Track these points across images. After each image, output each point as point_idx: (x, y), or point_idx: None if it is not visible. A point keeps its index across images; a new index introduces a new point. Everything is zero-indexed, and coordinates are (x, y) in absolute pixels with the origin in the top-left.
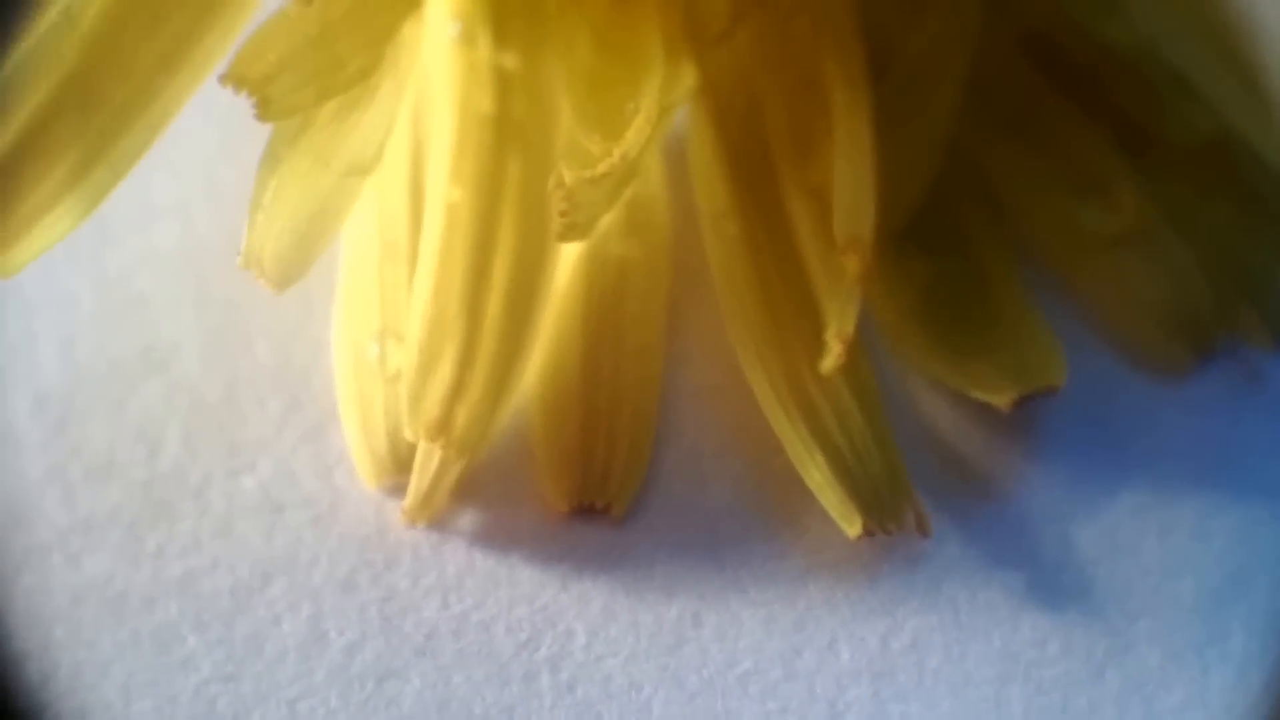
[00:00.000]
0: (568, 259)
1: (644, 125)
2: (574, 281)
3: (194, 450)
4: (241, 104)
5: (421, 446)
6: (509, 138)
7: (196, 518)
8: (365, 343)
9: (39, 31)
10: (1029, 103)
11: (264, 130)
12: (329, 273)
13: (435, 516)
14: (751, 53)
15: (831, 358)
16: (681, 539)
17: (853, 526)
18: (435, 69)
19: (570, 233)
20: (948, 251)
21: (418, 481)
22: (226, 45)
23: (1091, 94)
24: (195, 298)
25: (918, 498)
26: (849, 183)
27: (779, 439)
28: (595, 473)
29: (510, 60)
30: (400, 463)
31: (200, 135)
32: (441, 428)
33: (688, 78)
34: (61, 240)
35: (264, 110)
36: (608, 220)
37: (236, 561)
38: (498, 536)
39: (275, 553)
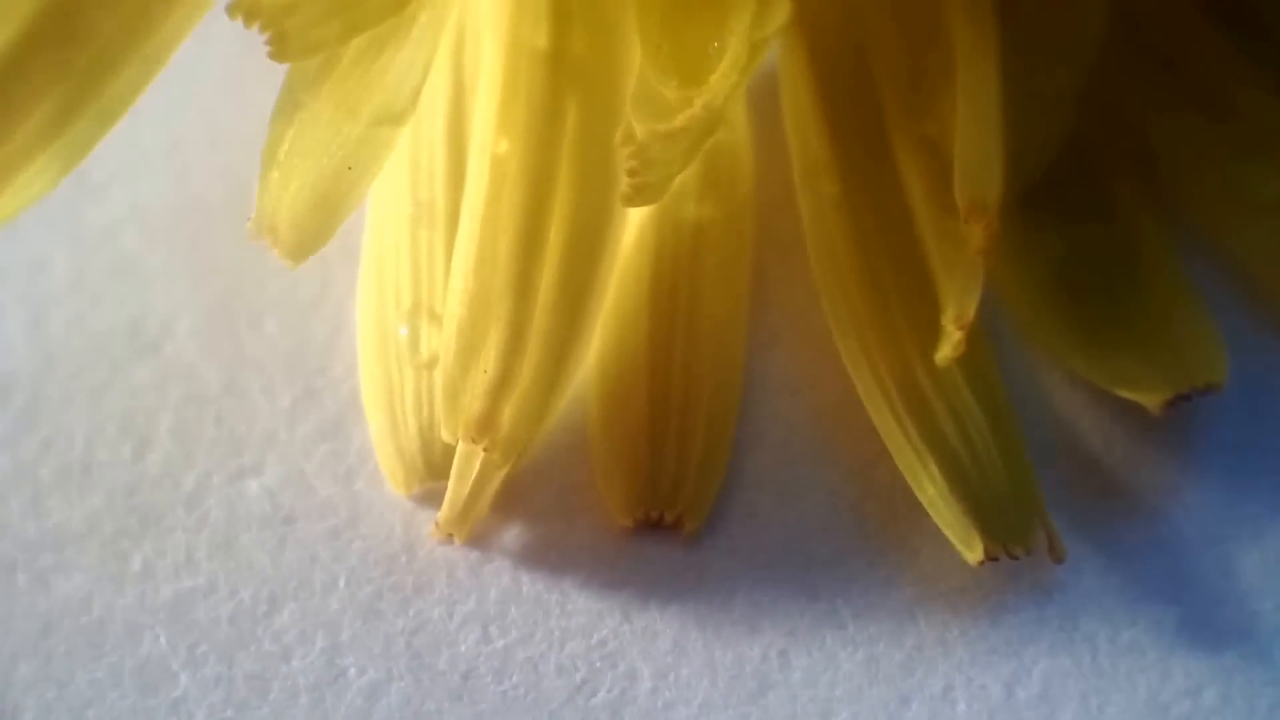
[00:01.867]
0: (634, 223)
1: (731, 68)
2: (641, 250)
3: (188, 448)
4: (250, 37)
5: (460, 448)
6: (567, 79)
7: (191, 530)
8: (394, 323)
9: None
10: (1183, 40)
11: (277, 68)
12: (352, 238)
13: (475, 531)
14: None
15: (949, 346)
16: (766, 562)
17: (972, 550)
18: None
19: (640, 195)
20: (1088, 218)
21: (455, 489)
22: None
23: (1257, 31)
24: (190, 264)
25: (1049, 516)
26: (972, 135)
27: (884, 443)
28: (664, 480)
29: None
30: (434, 467)
31: (198, 69)
32: (485, 426)
33: (781, 8)
34: (36, 202)
35: (280, 48)
36: (682, 177)
37: (238, 583)
38: (548, 556)
39: (284, 573)
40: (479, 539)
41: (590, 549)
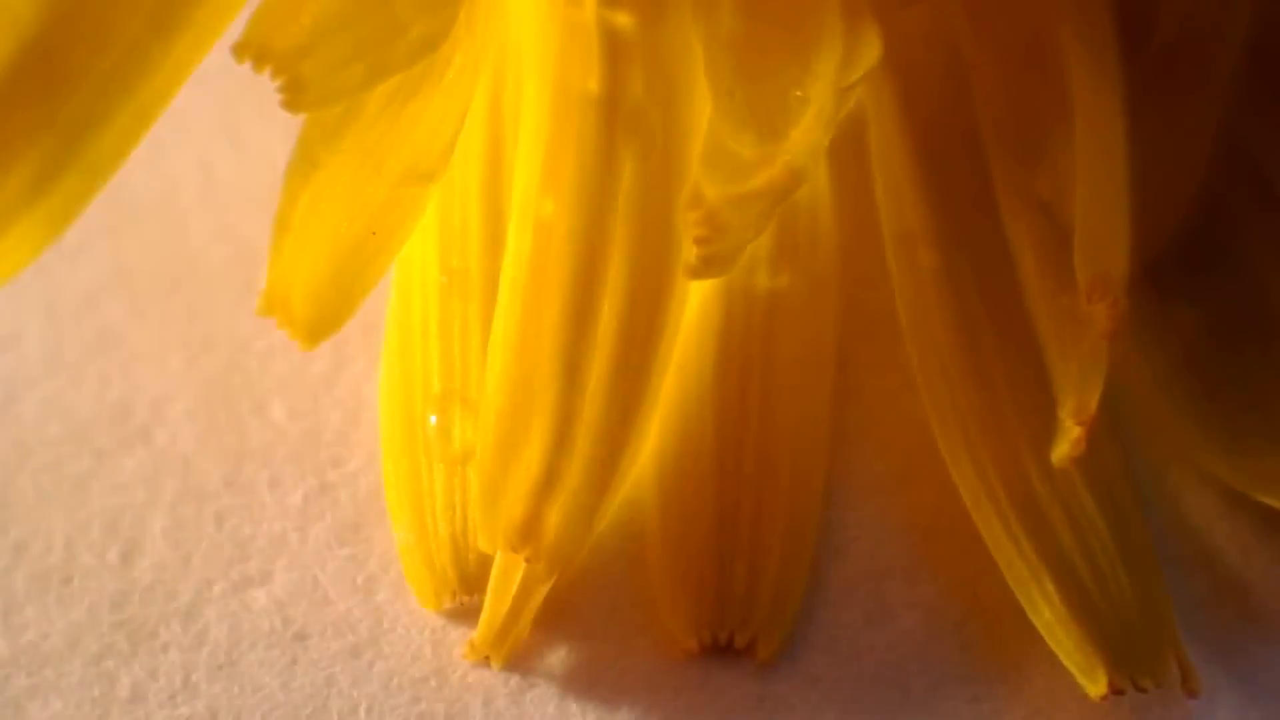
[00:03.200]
0: (696, 296)
1: (816, 121)
2: (705, 328)
3: (185, 553)
4: (259, 81)
5: (499, 557)
6: (622, 129)
7: (188, 648)
8: (422, 410)
9: None
10: None
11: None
12: (373, 311)
13: (515, 653)
14: (958, 12)
15: (1067, 444)
16: (853, 693)
17: (1094, 682)
18: (524, 35)
19: (708, 267)
20: (1221, 283)
21: (493, 605)
22: None
23: None
24: (185, 338)
25: (1182, 643)
26: (1095, 196)
27: (991, 555)
28: (734, 596)
29: (625, 21)
30: (468, 579)
31: (193, 110)
32: (527, 532)
33: (872, 46)
34: (17, 273)
35: (295, 96)
36: (754, 243)
37: (243, 711)
38: (600, 683)
39: (296, 699)
40: (520, 662)
41: (649, 676)
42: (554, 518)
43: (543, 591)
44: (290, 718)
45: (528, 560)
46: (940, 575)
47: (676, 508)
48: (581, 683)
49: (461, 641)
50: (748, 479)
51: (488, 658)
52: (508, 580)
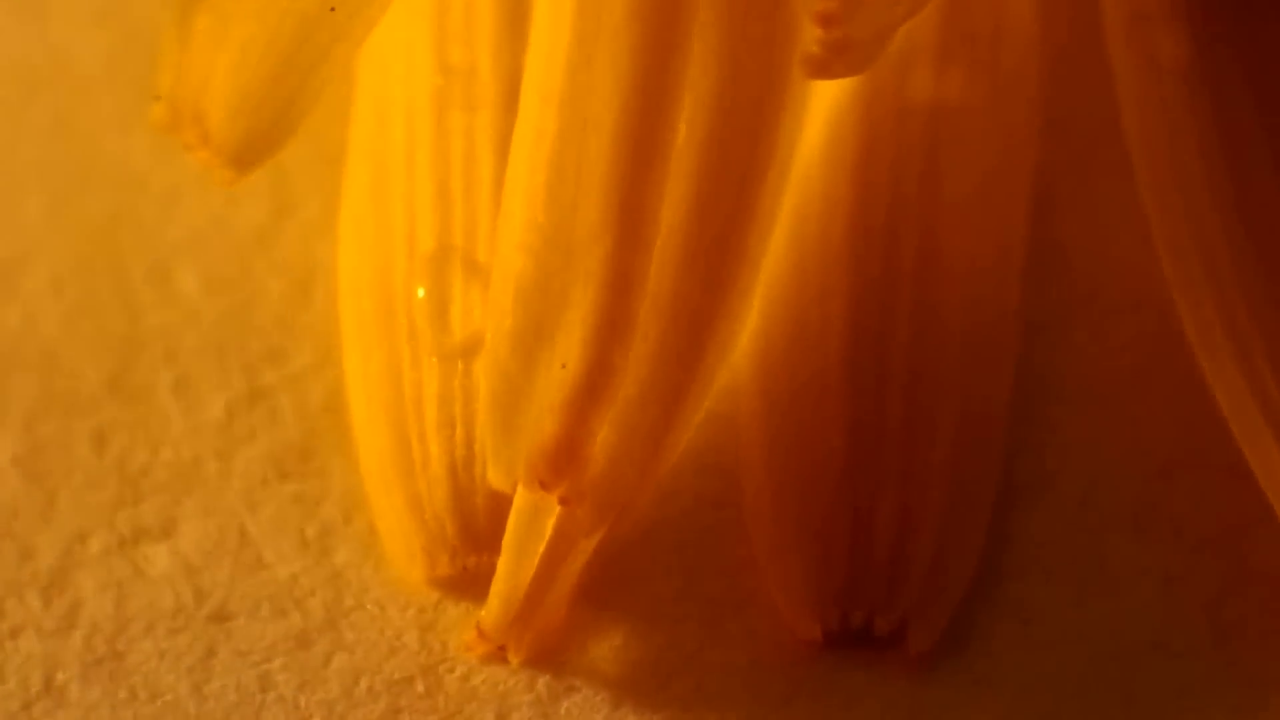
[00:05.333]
0: (821, 108)
1: None
2: (835, 157)
3: (47, 492)
4: None
5: (520, 499)
6: None
7: (51, 634)
8: (404, 281)
9: None
10: None
11: None
12: (329, 130)
13: (544, 643)
14: None
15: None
16: (1048, 702)
17: None
18: None
19: (836, 60)
20: None
21: (511, 571)
22: None
23: None
24: (50, 169)
25: None
26: None
27: (1263, 499)
28: (876, 563)
29: None
30: (473, 531)
31: None
32: (563, 461)
33: None
34: None
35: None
36: (908, 31)
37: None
38: (673, 688)
39: (212, 710)
40: (552, 657)
41: (747, 677)
42: (603, 438)
43: (585, 550)
44: None
45: (563, 502)
46: (1187, 528)
47: (789, 432)
48: (644, 687)
49: (463, 625)
50: (896, 388)
51: (503, 649)
52: (533, 533)
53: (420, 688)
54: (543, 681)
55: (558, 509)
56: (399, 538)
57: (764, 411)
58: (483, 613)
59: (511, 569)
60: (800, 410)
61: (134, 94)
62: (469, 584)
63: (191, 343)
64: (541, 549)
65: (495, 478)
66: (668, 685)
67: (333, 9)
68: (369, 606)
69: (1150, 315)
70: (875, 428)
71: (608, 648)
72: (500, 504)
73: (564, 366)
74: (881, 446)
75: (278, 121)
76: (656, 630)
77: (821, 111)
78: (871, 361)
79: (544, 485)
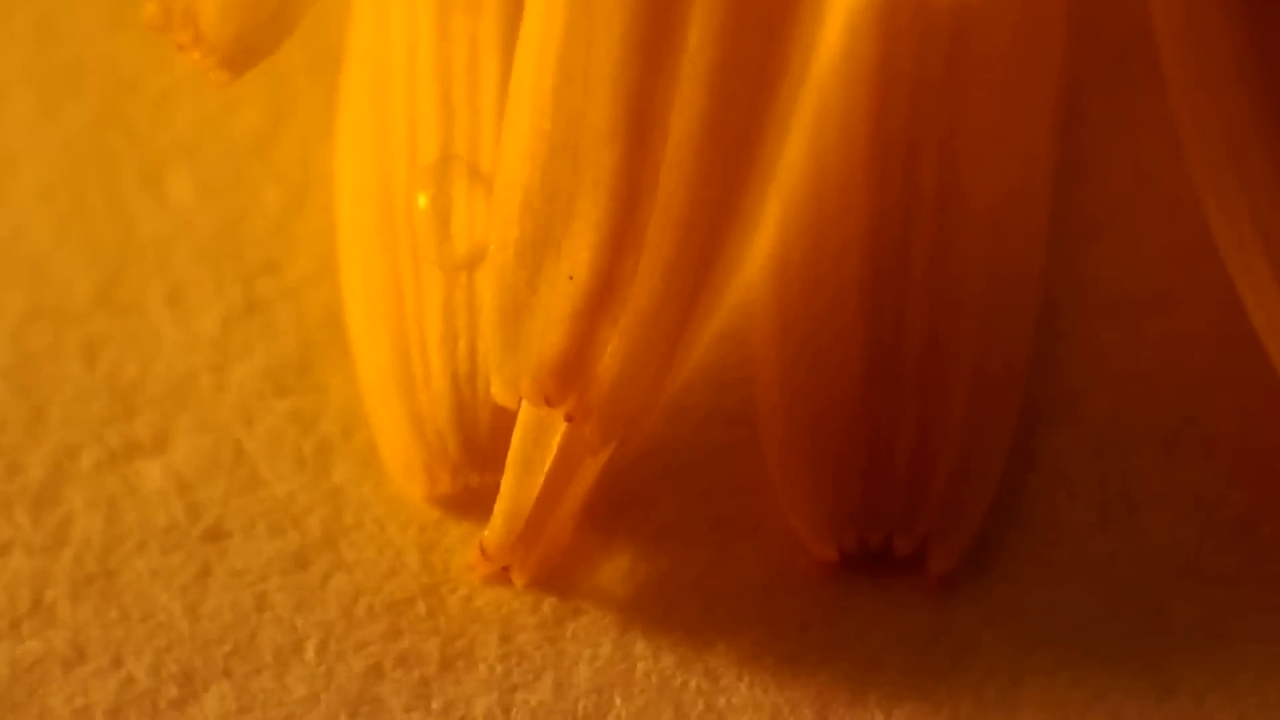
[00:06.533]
0: (836, 15)
1: None
2: (855, 54)
3: (35, 406)
4: None
5: (524, 414)
6: None
7: (40, 551)
8: (406, 188)
9: None
10: None
11: None
12: (327, 31)
13: (549, 565)
14: None
15: None
16: (1074, 626)
17: None
18: None
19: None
20: None
21: (516, 489)
22: None
23: None
24: (37, 71)
25: None
26: None
27: None
28: (895, 479)
29: None
30: (477, 449)
31: None
32: (570, 374)
33: None
34: None
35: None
36: None
37: (126, 646)
38: (684, 611)
39: (207, 630)
40: (558, 579)
41: (760, 600)
42: (611, 352)
43: (592, 469)
44: (199, 658)
45: (569, 418)
46: (1218, 448)
47: (805, 346)
48: (651, 611)
49: (465, 545)
50: (917, 301)
51: (507, 570)
52: (538, 451)
53: (422, 609)
54: (548, 604)
55: (563, 425)
56: (399, 454)
57: (780, 327)
58: (486, 532)
59: (515, 487)
60: (817, 324)
61: None
62: (471, 502)
63: (185, 253)
64: (547, 467)
65: (499, 392)
66: (677, 608)
67: None
68: (368, 525)
69: (1181, 228)
70: (894, 342)
71: (615, 570)
72: (504, 420)
73: (571, 278)
74: (901, 361)
75: (273, 21)
76: (665, 552)
77: (839, 14)
78: (892, 275)
79: (549, 400)
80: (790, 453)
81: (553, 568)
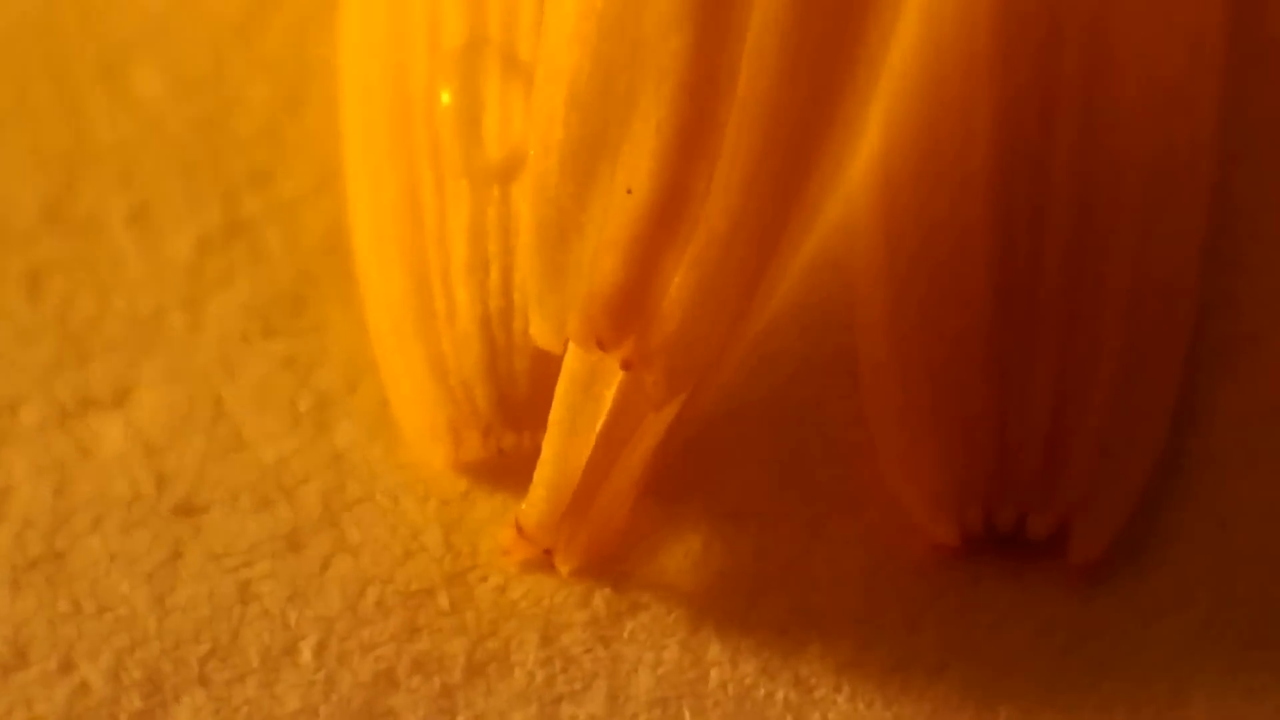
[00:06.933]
0: None
1: None
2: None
3: (5, 352)
4: None
5: (570, 361)
6: None
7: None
8: (426, 81)
9: None
10: None
11: None
12: None
13: (600, 548)
14: None
15: None
16: (1249, 627)
17: None
18: None
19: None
20: None
21: (558, 455)
22: None
23: None
24: None
25: None
26: None
27: None
28: (1029, 453)
29: None
30: (512, 404)
31: None
32: (627, 311)
33: None
34: None
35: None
36: None
37: (80, 644)
38: (770, 604)
39: (178, 624)
40: (612, 567)
41: (860, 593)
42: (678, 284)
43: (656, 430)
44: (168, 661)
45: (625, 366)
46: None
47: (920, 283)
48: (728, 607)
49: (498, 523)
50: (1057, 228)
51: (549, 554)
52: (587, 406)
53: (444, 602)
54: (600, 596)
55: (619, 375)
56: (417, 411)
57: (887, 258)
58: (523, 507)
59: (560, 452)
60: (934, 256)
61: None
62: (505, 471)
63: (152, 162)
64: (599, 426)
65: (540, 333)
66: (759, 603)
67: None
68: (378, 498)
69: None
70: (1030, 267)
71: (683, 556)
72: (546, 368)
73: (629, 191)
74: (1038, 292)
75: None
76: (746, 534)
77: None
78: (1025, 194)
79: (602, 344)
80: (899, 411)
81: (606, 552)
